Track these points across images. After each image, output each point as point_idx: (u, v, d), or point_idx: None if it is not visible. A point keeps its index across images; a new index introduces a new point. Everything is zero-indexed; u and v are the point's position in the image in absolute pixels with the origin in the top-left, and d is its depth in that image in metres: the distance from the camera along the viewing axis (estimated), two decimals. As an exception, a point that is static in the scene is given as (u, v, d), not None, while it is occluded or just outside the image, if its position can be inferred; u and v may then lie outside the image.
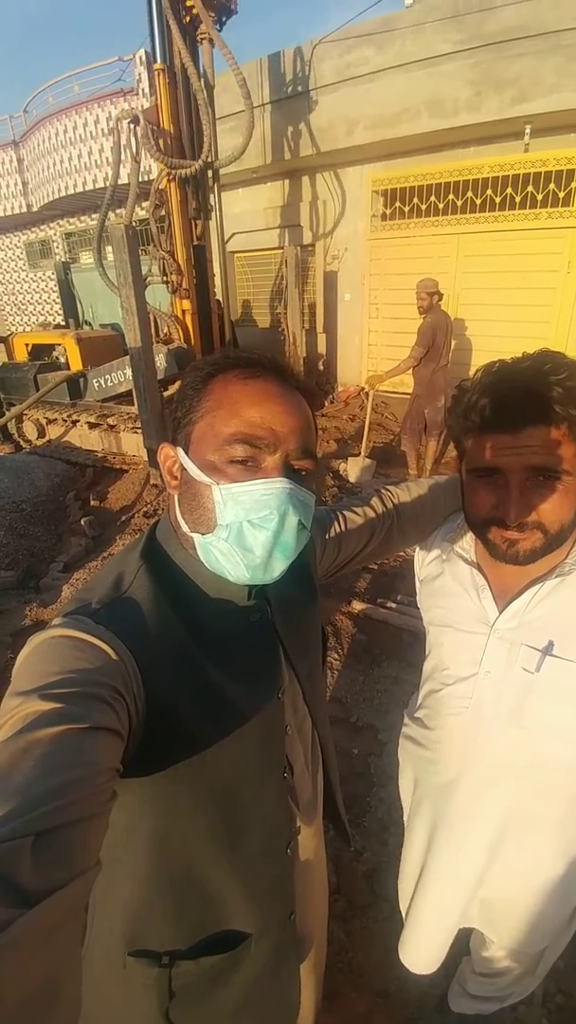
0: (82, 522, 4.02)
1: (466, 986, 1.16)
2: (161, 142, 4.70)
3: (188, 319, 5.32)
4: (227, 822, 0.62)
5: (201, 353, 5.33)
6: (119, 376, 5.56)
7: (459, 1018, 1.21)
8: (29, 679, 0.46)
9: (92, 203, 8.41)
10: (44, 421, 6.05)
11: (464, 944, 1.15)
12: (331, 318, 6.98)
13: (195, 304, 5.27)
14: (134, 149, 4.84)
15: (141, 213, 5.49)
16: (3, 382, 6.50)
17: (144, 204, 5.23)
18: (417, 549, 0.99)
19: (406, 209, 5.82)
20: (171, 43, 4.45)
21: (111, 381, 5.70)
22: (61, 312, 9.94)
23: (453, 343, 4.58)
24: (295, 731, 0.72)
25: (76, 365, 6.12)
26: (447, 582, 0.88)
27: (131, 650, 0.52)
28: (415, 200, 5.71)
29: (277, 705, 0.66)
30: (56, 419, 5.92)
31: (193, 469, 0.57)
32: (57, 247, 10.54)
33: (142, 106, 5.44)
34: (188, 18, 4.47)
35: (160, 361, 5.00)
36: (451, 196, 5.45)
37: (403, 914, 1.12)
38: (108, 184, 5.45)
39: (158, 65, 4.56)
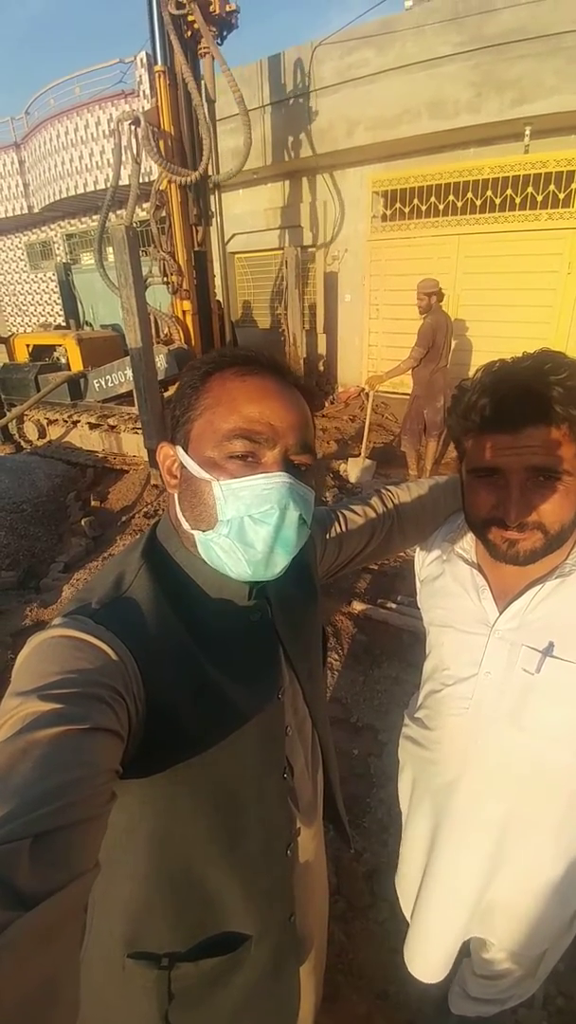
0: (82, 522, 4.02)
1: (466, 988, 1.16)
2: (162, 143, 4.71)
3: (188, 320, 5.33)
4: (227, 823, 0.61)
5: (201, 354, 5.33)
6: (120, 377, 5.57)
7: (459, 1020, 1.21)
8: (29, 679, 0.46)
9: (93, 204, 8.43)
10: (45, 422, 6.06)
11: (465, 946, 1.15)
12: (331, 319, 6.98)
13: (195, 305, 5.27)
14: (135, 151, 4.85)
15: (142, 214, 5.50)
16: (4, 383, 6.51)
17: (145, 205, 5.24)
18: (417, 549, 0.99)
19: (406, 210, 5.82)
20: (173, 56, 4.46)
21: (112, 382, 5.70)
22: (62, 313, 9.95)
23: (453, 344, 4.58)
24: (295, 732, 0.72)
25: (77, 366, 6.12)
26: (447, 582, 0.87)
27: (131, 650, 0.52)
28: (415, 201, 5.71)
29: (277, 706, 0.66)
30: (57, 420, 5.93)
31: (193, 466, 0.57)
32: (58, 248, 10.56)
33: (143, 108, 5.44)
34: (189, 33, 4.48)
35: (160, 362, 5.01)
36: (451, 197, 5.45)
37: (407, 917, 1.12)
38: (109, 185, 5.46)
39: (159, 67, 4.56)
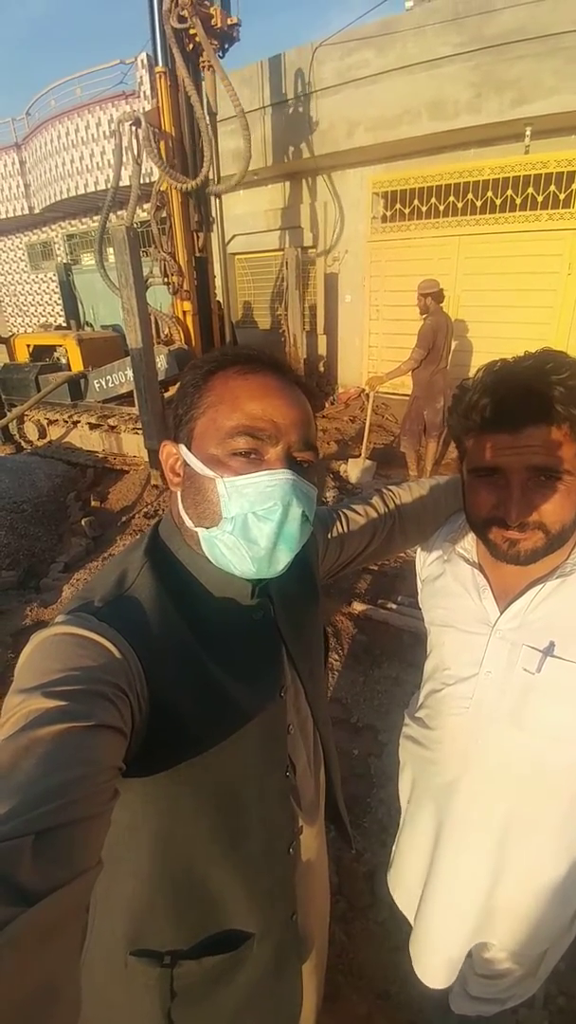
0: (83, 523, 4.02)
1: (467, 987, 1.15)
2: (162, 144, 4.72)
3: (189, 320, 5.33)
4: (229, 822, 0.62)
5: (202, 354, 5.33)
6: (120, 377, 5.57)
7: (460, 1019, 1.21)
8: (32, 676, 0.46)
9: (94, 205, 8.44)
10: (45, 422, 6.06)
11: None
12: (332, 320, 6.98)
13: (196, 305, 5.28)
14: (135, 151, 4.86)
15: (142, 215, 5.51)
16: (5, 383, 6.51)
17: (145, 206, 5.25)
18: (419, 549, 0.99)
19: (407, 211, 5.82)
20: (175, 67, 4.48)
21: (112, 382, 5.71)
22: (62, 313, 9.96)
23: (453, 345, 4.58)
24: (297, 730, 0.72)
25: (77, 366, 6.13)
26: (448, 582, 0.88)
27: (134, 648, 0.52)
28: (415, 202, 5.71)
29: (279, 704, 0.66)
30: (57, 420, 5.93)
31: (196, 464, 0.57)
32: (59, 249, 10.57)
33: (143, 109, 5.45)
34: (191, 46, 4.50)
35: (161, 362, 5.01)
36: (451, 198, 5.45)
37: (405, 914, 1.12)
38: (109, 186, 5.47)
39: (159, 68, 4.57)
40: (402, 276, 5.73)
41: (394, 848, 1.14)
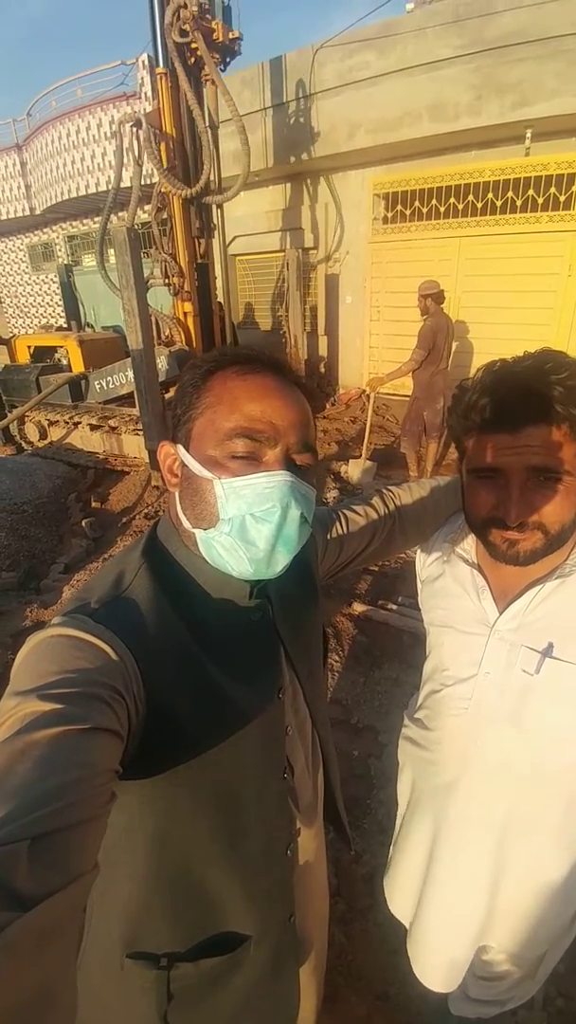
0: (83, 524, 4.02)
1: (466, 989, 1.15)
2: (163, 146, 4.72)
3: (190, 321, 5.33)
4: (227, 823, 0.61)
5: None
6: (121, 378, 5.57)
7: (459, 1021, 1.20)
8: (28, 679, 0.46)
9: (95, 206, 8.45)
10: (46, 423, 6.07)
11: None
12: (332, 321, 6.99)
13: (197, 306, 5.28)
14: (136, 153, 4.87)
15: (143, 216, 5.52)
16: (5, 384, 6.52)
17: (146, 207, 5.25)
18: (419, 550, 0.99)
19: (407, 212, 5.83)
20: (177, 81, 4.50)
21: (113, 383, 5.71)
22: (63, 314, 9.98)
23: (454, 346, 4.58)
24: (296, 732, 0.72)
25: (78, 367, 6.14)
26: (448, 583, 0.87)
27: (131, 649, 0.52)
28: (416, 203, 5.72)
29: (278, 705, 0.66)
30: (58, 421, 5.94)
31: (194, 465, 0.57)
32: (60, 250, 10.59)
33: (144, 110, 5.46)
34: (193, 59, 4.52)
35: (161, 363, 5.01)
36: (452, 200, 5.46)
37: (399, 918, 1.11)
38: (110, 187, 5.48)
39: (160, 69, 4.58)
40: (403, 277, 5.73)
41: (391, 850, 1.14)
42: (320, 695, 0.79)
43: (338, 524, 0.86)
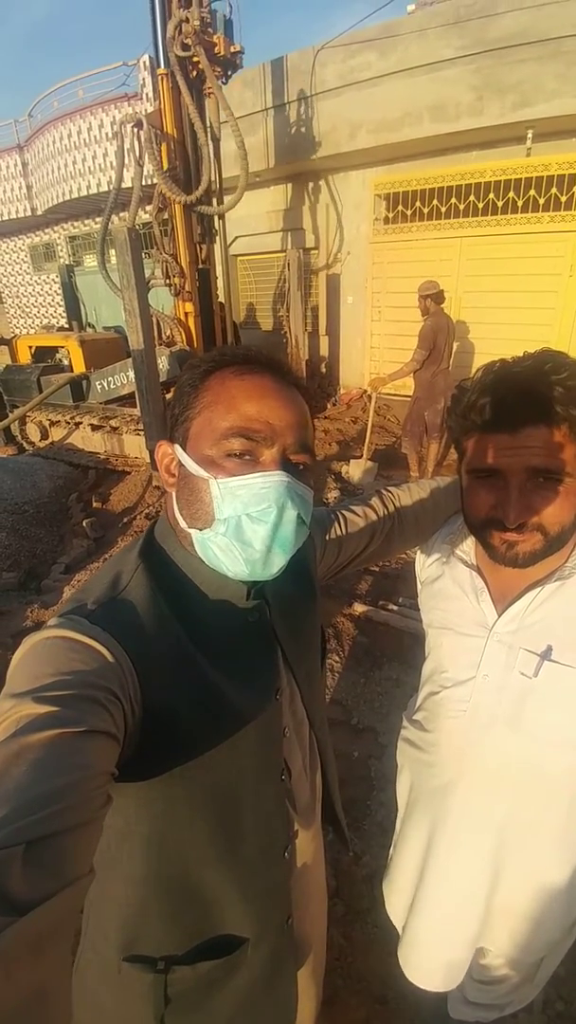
0: (84, 524, 4.03)
1: (465, 992, 1.15)
2: (164, 147, 4.73)
3: (191, 322, 5.34)
4: (224, 825, 0.61)
5: (203, 356, 5.34)
6: (122, 378, 5.58)
7: (458, 1025, 1.20)
8: (23, 681, 0.45)
9: (96, 207, 8.46)
10: (47, 423, 6.08)
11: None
12: (334, 321, 6.99)
13: (198, 307, 5.29)
14: (138, 153, 4.87)
15: (144, 216, 5.52)
16: (7, 384, 6.53)
17: (147, 207, 5.26)
18: (418, 551, 0.98)
19: (408, 213, 5.83)
20: (179, 95, 4.52)
21: (114, 383, 5.72)
22: (64, 315, 10.00)
23: (455, 346, 4.57)
24: (293, 734, 0.71)
25: (79, 367, 6.14)
26: (447, 584, 0.87)
27: (127, 651, 0.52)
28: (417, 204, 5.72)
29: (275, 707, 0.66)
30: (59, 421, 5.95)
31: (191, 464, 0.57)
32: (61, 250, 10.60)
33: (146, 110, 5.47)
34: (195, 73, 4.54)
35: (162, 363, 5.02)
36: (453, 200, 5.45)
37: (393, 920, 1.10)
38: (112, 188, 5.48)
39: (161, 70, 4.59)
40: (404, 277, 5.73)
41: (391, 852, 1.13)
42: (318, 697, 0.78)
43: (337, 525, 0.86)
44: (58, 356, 6.70)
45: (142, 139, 4.72)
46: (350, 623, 2.78)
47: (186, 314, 5.32)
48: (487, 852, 0.88)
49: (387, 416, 6.12)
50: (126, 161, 4.98)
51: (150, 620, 0.55)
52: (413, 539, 0.95)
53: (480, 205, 5.33)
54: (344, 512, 0.88)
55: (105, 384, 5.80)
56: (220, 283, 5.59)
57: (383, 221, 6.07)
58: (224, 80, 4.83)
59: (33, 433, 6.18)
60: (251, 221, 7.10)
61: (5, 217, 10.24)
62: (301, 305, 6.22)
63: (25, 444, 6.22)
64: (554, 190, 4.91)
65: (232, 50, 4.72)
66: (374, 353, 6.59)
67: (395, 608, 2.86)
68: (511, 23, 4.49)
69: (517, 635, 0.77)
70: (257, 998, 0.68)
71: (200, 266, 5.19)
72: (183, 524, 0.59)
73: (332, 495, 4.21)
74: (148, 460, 4.73)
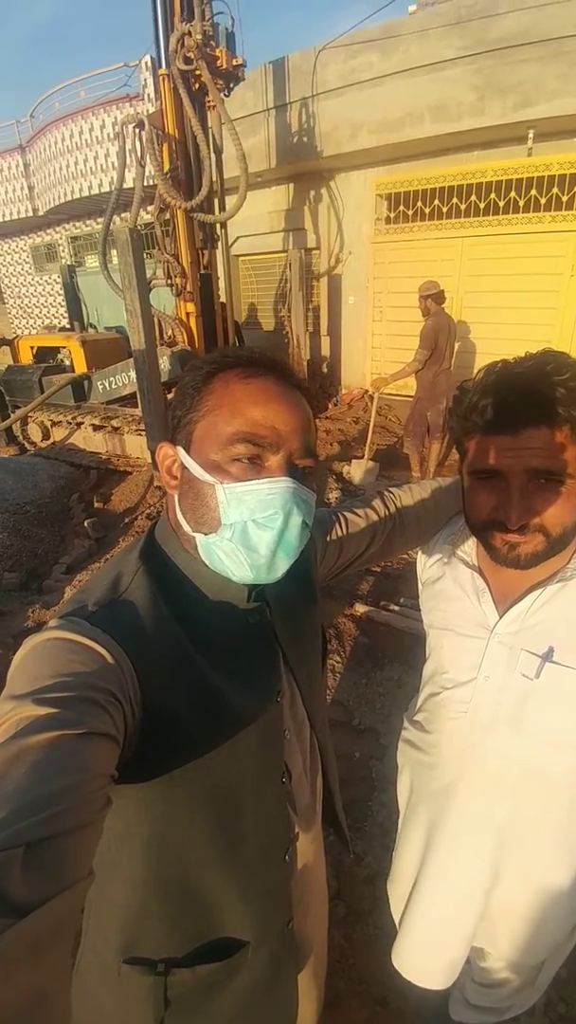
0: (85, 524, 4.03)
1: (466, 994, 1.14)
2: (166, 147, 4.73)
3: (192, 322, 5.34)
4: (224, 828, 0.61)
5: (205, 356, 5.34)
6: (123, 379, 5.59)
7: (459, 1028, 1.19)
8: (23, 682, 0.45)
9: (98, 207, 8.47)
10: (49, 423, 6.08)
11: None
12: (335, 321, 6.99)
13: (199, 307, 5.29)
14: (139, 154, 4.87)
15: (146, 217, 5.52)
16: (8, 384, 6.54)
17: (149, 208, 5.26)
18: (420, 552, 0.98)
19: (410, 213, 5.82)
20: (182, 108, 4.52)
21: (115, 383, 5.72)
22: (66, 315, 10.01)
23: (457, 346, 4.57)
24: (293, 736, 0.71)
25: (81, 368, 6.15)
26: (448, 585, 0.87)
27: (127, 652, 0.51)
28: (419, 204, 5.71)
29: (275, 709, 0.65)
30: (60, 421, 5.95)
31: (195, 468, 0.56)
32: (63, 251, 10.61)
33: (147, 111, 5.47)
34: (197, 86, 4.54)
35: (164, 364, 5.02)
36: (455, 200, 5.45)
37: (395, 921, 1.10)
38: (113, 188, 5.48)
39: (163, 71, 4.59)
40: (405, 277, 5.72)
41: (394, 853, 1.13)
42: (319, 698, 0.78)
43: (338, 526, 0.86)
44: (60, 356, 6.71)
45: (143, 139, 4.72)
46: (351, 623, 2.78)
47: (188, 314, 5.32)
48: (487, 853, 0.87)
49: (388, 416, 6.12)
50: (128, 161, 4.98)
51: (150, 622, 0.55)
52: (414, 540, 0.95)
53: (481, 205, 5.32)
54: (345, 513, 0.88)
55: (107, 384, 5.80)
56: (222, 283, 5.59)
57: (384, 221, 6.06)
58: (226, 93, 4.84)
59: (35, 433, 6.19)
60: (252, 221, 7.09)
61: (7, 218, 10.25)
62: (302, 305, 6.22)
63: (27, 444, 6.23)
64: (555, 190, 4.90)
65: (234, 63, 4.73)
66: (375, 353, 6.58)
67: (396, 609, 2.85)
68: (512, 23, 4.48)
69: (518, 636, 0.77)
70: (258, 1001, 0.68)
71: (202, 271, 5.20)
72: (186, 527, 0.59)
73: (333, 495, 4.20)
74: (150, 460, 4.73)
